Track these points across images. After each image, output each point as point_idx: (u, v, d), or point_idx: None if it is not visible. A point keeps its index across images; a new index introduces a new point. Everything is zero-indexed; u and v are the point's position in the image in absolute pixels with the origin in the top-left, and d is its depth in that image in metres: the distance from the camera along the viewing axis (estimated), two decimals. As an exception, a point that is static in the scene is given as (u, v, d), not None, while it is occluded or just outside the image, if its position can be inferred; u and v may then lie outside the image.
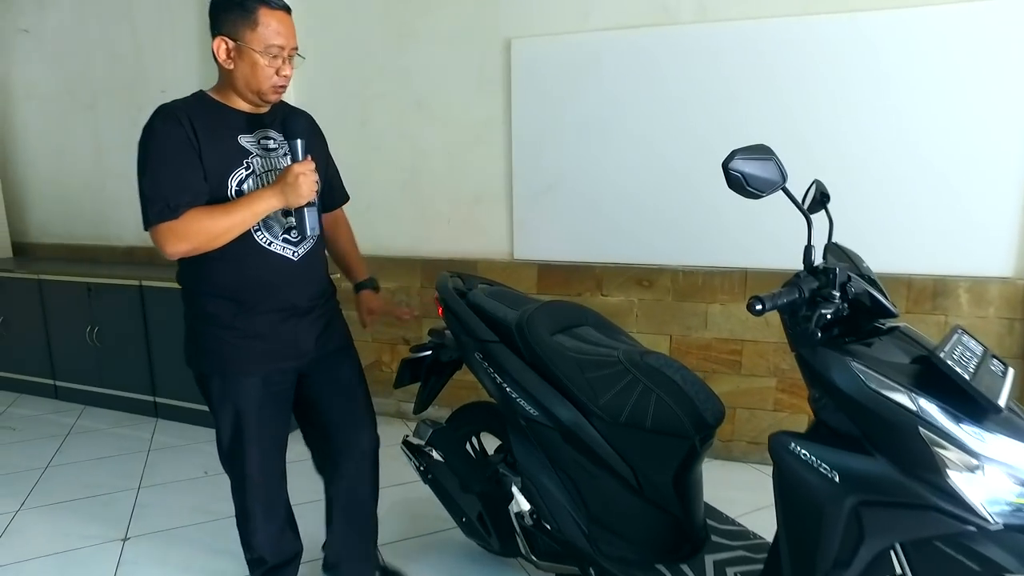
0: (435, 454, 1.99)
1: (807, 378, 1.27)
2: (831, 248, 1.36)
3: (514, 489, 1.74)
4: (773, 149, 1.16)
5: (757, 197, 1.17)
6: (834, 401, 1.20)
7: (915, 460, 1.11)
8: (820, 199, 1.61)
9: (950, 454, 1.08)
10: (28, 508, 2.56)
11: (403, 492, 2.54)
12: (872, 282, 1.30)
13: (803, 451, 1.23)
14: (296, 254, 1.58)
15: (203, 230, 1.43)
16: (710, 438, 1.61)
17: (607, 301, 2.95)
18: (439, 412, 2.66)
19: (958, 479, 1.07)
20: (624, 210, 2.87)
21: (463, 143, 3.13)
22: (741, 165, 1.12)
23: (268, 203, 1.45)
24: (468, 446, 2.11)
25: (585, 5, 2.82)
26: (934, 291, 2.53)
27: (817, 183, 1.66)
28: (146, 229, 1.45)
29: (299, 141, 1.49)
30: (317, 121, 1.80)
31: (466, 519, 1.94)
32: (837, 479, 1.18)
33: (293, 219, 1.53)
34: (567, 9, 2.85)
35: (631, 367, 1.64)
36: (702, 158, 2.69)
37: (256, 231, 1.51)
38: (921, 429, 1.09)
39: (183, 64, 3.62)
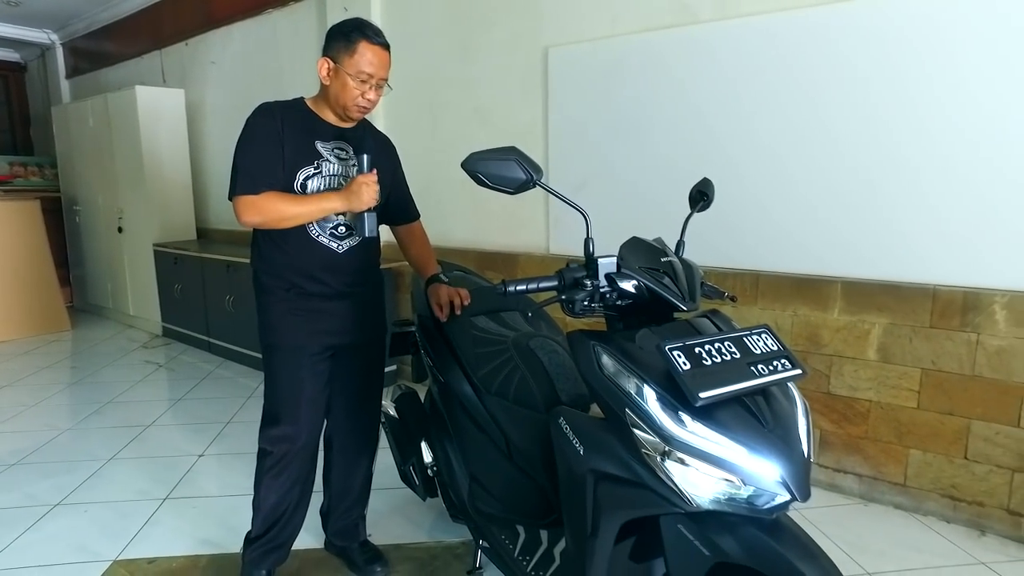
0: (397, 414, 2.31)
1: None
2: (631, 243, 1.42)
3: (422, 442, 2.00)
4: (519, 149, 1.29)
5: (512, 194, 1.32)
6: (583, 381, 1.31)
7: (626, 440, 1.19)
8: (698, 196, 1.66)
9: (645, 436, 1.15)
10: (159, 425, 3.43)
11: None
12: (683, 275, 1.35)
13: (565, 422, 1.35)
14: (340, 247, 1.80)
15: (276, 210, 1.68)
16: None
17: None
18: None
19: (670, 466, 1.13)
20: (645, 208, 2.93)
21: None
22: (477, 166, 1.28)
23: (333, 204, 1.69)
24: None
25: (613, 10, 2.94)
26: (964, 305, 2.26)
27: (702, 182, 1.69)
28: (231, 198, 1.72)
29: (365, 156, 1.70)
30: (398, 132, 1.94)
31: (402, 467, 2.23)
32: (581, 451, 1.30)
33: (347, 219, 1.77)
34: (598, 16, 2.99)
35: (512, 346, 1.82)
36: (723, 155, 2.68)
37: (309, 225, 1.75)
38: (627, 411, 1.17)
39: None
